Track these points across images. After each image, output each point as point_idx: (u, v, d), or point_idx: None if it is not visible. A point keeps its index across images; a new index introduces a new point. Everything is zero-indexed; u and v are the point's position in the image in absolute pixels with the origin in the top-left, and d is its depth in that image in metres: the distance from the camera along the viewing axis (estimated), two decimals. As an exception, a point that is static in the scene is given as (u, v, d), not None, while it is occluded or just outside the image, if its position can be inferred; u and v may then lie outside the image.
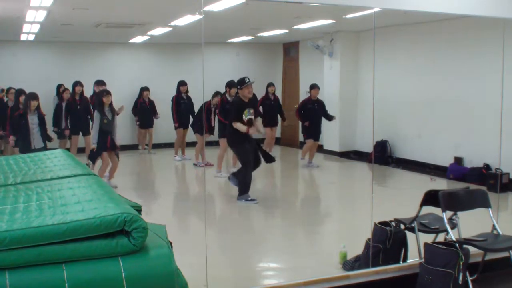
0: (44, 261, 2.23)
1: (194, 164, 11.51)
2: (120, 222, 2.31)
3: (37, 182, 3.25)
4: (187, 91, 12.22)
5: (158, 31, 11.45)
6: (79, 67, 13.28)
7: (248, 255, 6.30)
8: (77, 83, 11.20)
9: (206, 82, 10.71)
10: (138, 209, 3.23)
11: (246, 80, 8.33)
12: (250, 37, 13.38)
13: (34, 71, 12.96)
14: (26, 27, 10.52)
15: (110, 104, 9.12)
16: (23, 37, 12.09)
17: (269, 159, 8.61)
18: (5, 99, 11.38)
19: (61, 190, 2.94)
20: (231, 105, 9.16)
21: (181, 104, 12.20)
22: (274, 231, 7.32)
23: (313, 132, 11.45)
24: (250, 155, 8.32)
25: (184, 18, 9.53)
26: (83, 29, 11.17)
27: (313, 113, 11.35)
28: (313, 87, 11.49)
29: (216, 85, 11.49)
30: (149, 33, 11.89)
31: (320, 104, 11.43)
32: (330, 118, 11.38)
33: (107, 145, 9.03)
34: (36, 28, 10.58)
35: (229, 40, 14.08)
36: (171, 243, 2.79)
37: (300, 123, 12.04)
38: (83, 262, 2.27)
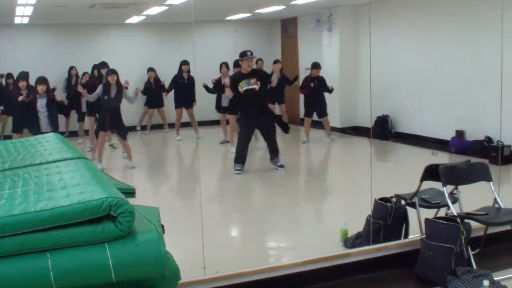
0: (28, 250, 2.14)
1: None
2: (106, 206, 2.22)
3: (25, 168, 3.14)
4: (189, 71, 12.12)
5: (154, 10, 11.30)
6: (75, 49, 13.20)
7: (247, 235, 6.25)
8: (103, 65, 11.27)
9: (204, 60, 10.70)
10: (132, 192, 3.14)
11: (248, 53, 8.70)
12: (247, 14, 13.22)
13: (30, 54, 12.83)
14: (19, 10, 10.36)
15: (117, 83, 9.04)
16: (17, 20, 11.94)
17: (286, 130, 9.17)
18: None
19: (48, 175, 2.84)
20: (230, 78, 9.51)
21: (180, 83, 12.11)
22: (273, 210, 7.26)
23: (312, 109, 11.42)
24: (246, 129, 8.87)
25: (179, -4, 9.40)
26: (78, 10, 11.04)
27: (313, 90, 11.28)
28: (315, 66, 11.38)
29: (214, 63, 11.43)
30: (145, 12, 11.74)
31: (320, 81, 11.33)
32: (329, 90, 11.32)
33: (105, 124, 8.99)
34: (29, 10, 10.42)
35: (226, 18, 13.92)
36: (163, 226, 2.71)
37: (301, 100, 12.12)
38: (69, 250, 2.18)
